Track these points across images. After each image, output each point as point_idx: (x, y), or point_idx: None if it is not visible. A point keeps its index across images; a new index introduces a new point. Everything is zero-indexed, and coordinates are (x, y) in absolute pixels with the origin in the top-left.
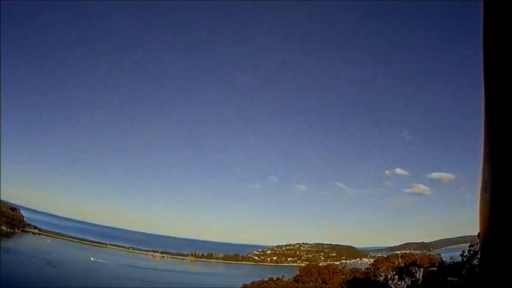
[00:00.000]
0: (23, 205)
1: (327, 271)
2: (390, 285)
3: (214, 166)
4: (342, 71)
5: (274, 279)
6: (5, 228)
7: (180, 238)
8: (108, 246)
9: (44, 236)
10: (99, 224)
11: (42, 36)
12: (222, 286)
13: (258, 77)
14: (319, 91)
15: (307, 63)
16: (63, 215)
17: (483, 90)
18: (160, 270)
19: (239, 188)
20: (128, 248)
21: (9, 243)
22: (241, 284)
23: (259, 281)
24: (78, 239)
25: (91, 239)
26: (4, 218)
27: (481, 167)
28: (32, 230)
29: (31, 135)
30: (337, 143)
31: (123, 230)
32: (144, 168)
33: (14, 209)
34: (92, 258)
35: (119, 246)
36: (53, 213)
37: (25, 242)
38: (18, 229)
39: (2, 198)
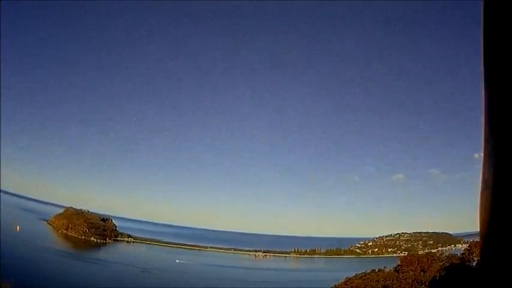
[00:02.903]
0: (116, 215)
1: (425, 259)
2: None
3: (311, 161)
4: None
5: (376, 270)
6: (95, 239)
7: (282, 236)
8: (208, 248)
9: (138, 244)
10: (197, 227)
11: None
12: (326, 280)
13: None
14: (411, 76)
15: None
16: (158, 222)
17: (483, 90)
18: (262, 269)
19: (337, 180)
20: (229, 249)
21: (100, 254)
22: (344, 277)
23: (362, 273)
24: (176, 244)
25: (189, 243)
26: (94, 229)
27: (481, 167)
28: (125, 238)
29: (115, 148)
30: (428, 129)
31: (223, 231)
32: (238, 167)
33: (105, 219)
34: (177, 260)
35: (220, 248)
36: (149, 221)
37: (118, 251)
38: (110, 239)
39: (92, 210)
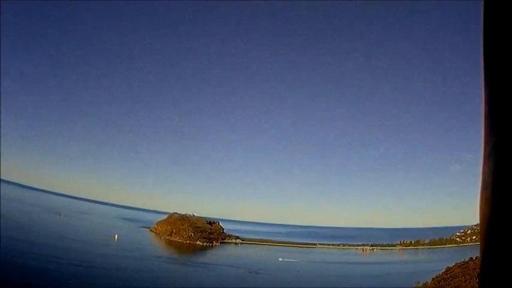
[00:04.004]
0: (224, 218)
1: None
2: None
3: (413, 155)
4: None
5: (474, 258)
6: (201, 243)
7: (388, 229)
8: (318, 245)
9: (246, 245)
10: (306, 225)
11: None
12: (429, 271)
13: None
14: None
15: None
16: (267, 222)
17: (483, 90)
18: (369, 263)
19: (437, 171)
20: (338, 245)
21: (207, 258)
22: (445, 267)
23: (461, 262)
24: (285, 243)
25: (299, 242)
26: (200, 233)
27: (481, 167)
28: (233, 240)
29: (219, 154)
30: None
31: (332, 228)
32: (339, 164)
33: (211, 222)
34: (280, 259)
35: (329, 245)
36: (258, 222)
37: (225, 254)
38: (216, 242)
39: (197, 214)
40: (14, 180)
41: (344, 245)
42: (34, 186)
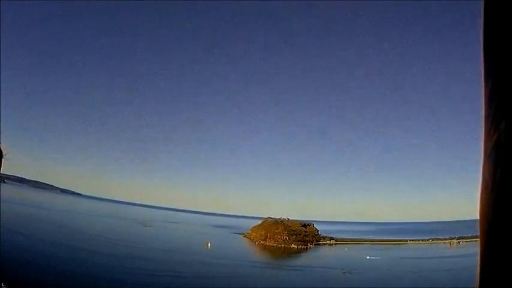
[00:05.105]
0: (317, 219)
1: None
2: None
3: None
4: None
5: None
6: (296, 246)
7: (473, 220)
8: (409, 242)
9: (340, 245)
10: (395, 221)
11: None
12: None
13: None
14: None
15: None
16: (360, 221)
17: (483, 90)
18: (452, 256)
19: None
20: (427, 240)
21: (301, 260)
22: None
23: None
24: (377, 240)
25: (390, 239)
26: (294, 236)
27: (481, 167)
28: (327, 241)
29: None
30: None
31: (419, 223)
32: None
33: (306, 225)
34: (368, 257)
35: (418, 240)
36: (350, 221)
37: (319, 255)
38: (311, 244)
39: (291, 218)
40: (90, 194)
41: (433, 240)
42: (111, 198)
